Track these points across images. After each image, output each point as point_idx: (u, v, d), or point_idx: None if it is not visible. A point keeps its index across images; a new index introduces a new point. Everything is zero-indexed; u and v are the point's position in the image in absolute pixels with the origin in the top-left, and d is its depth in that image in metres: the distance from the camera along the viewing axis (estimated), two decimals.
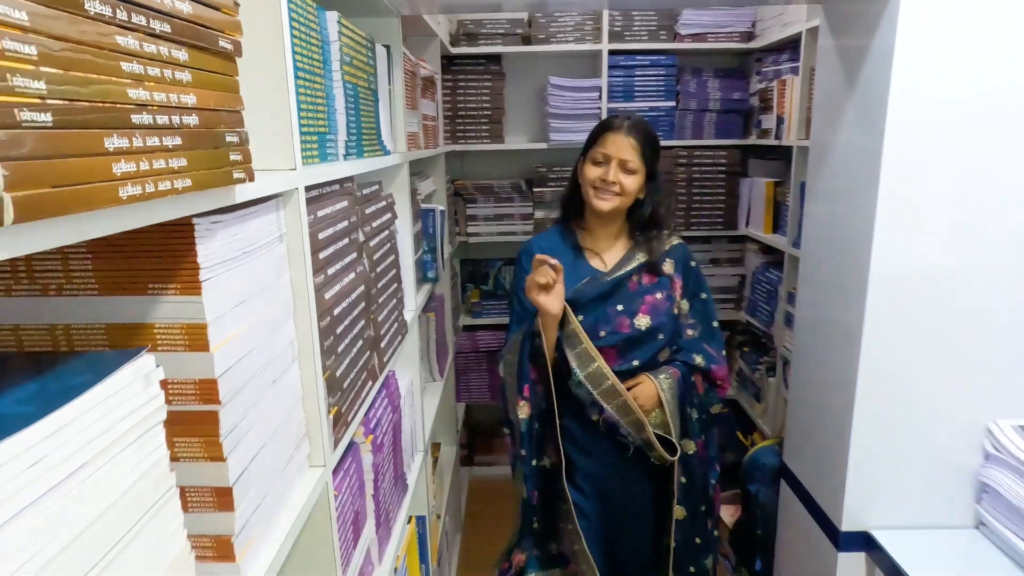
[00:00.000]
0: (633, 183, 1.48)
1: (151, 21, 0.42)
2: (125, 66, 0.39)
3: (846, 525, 1.39)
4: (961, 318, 1.31)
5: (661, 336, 1.53)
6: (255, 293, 0.66)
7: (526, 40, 2.68)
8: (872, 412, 1.35)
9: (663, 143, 2.66)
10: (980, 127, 1.24)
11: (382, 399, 1.28)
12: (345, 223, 0.97)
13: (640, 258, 1.54)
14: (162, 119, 0.43)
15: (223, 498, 0.59)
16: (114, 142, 0.38)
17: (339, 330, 0.90)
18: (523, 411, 1.50)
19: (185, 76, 0.46)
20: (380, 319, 1.16)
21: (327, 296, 0.86)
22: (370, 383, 1.08)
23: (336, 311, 0.89)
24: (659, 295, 1.53)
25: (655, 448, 1.46)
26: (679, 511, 1.55)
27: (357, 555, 1.06)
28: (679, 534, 1.55)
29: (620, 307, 1.51)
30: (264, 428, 0.68)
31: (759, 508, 1.80)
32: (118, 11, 0.39)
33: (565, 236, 1.59)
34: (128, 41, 0.40)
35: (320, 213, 0.86)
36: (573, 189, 1.59)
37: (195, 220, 0.54)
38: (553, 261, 1.37)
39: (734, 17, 2.62)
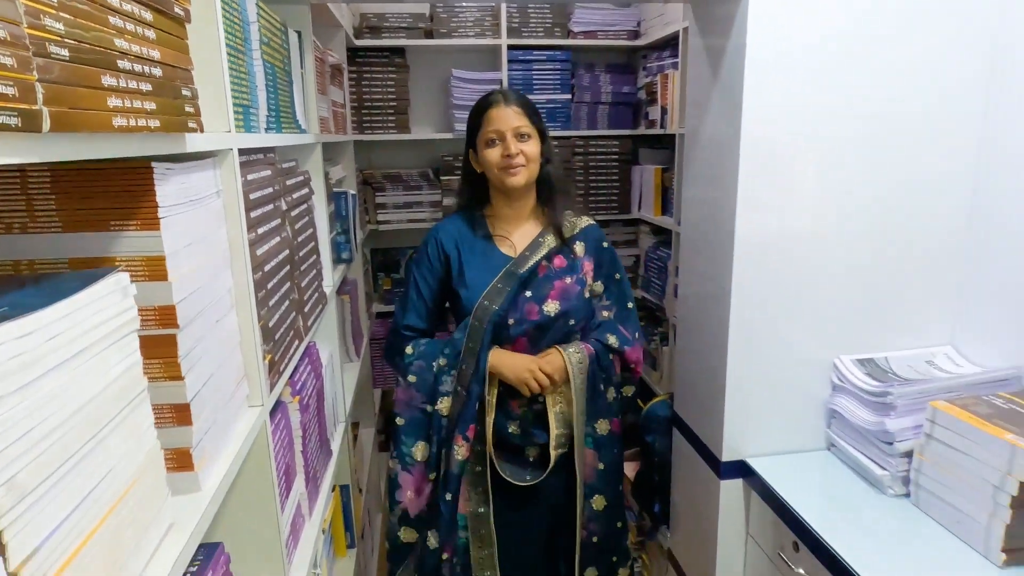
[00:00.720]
0: (533, 148, 1.50)
1: None
2: (112, 19, 0.48)
3: (726, 456, 1.61)
4: (808, 275, 1.55)
5: (572, 321, 1.56)
6: (199, 239, 0.74)
7: (428, 34, 2.79)
8: (742, 357, 1.56)
9: (561, 134, 2.89)
10: (818, 116, 1.47)
11: (305, 365, 1.35)
12: (270, 190, 1.05)
13: (550, 242, 1.55)
14: (137, 67, 0.51)
15: (182, 413, 0.67)
16: (107, 80, 0.46)
17: (270, 285, 0.98)
18: (461, 452, 1.47)
19: (151, 34, 0.55)
20: (303, 285, 1.24)
21: (259, 252, 0.94)
22: (296, 342, 1.16)
23: (267, 267, 0.97)
24: (568, 279, 1.55)
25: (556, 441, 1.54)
26: (599, 500, 1.60)
27: (290, 504, 1.14)
28: (599, 526, 1.60)
29: (528, 294, 1.52)
30: (211, 361, 0.75)
31: (656, 456, 2.00)
32: None
33: (472, 223, 1.58)
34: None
35: (249, 177, 0.94)
36: (471, 180, 1.59)
37: (154, 164, 0.62)
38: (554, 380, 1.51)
39: (621, 16, 2.85)
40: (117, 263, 0.63)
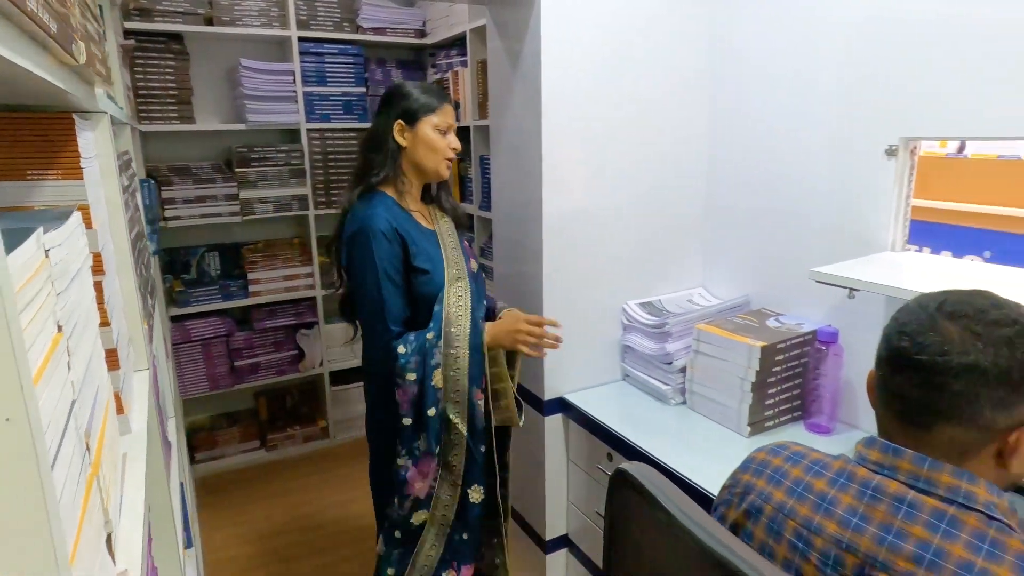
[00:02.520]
0: None
1: None
2: None
3: (547, 395, 1.88)
4: (599, 240, 1.88)
5: (483, 276, 1.66)
6: (97, 197, 0.75)
7: (209, 21, 2.67)
8: (554, 309, 1.84)
9: (358, 126, 2.97)
10: (597, 105, 1.79)
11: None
12: (118, 162, 1.03)
13: (441, 215, 1.60)
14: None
15: (112, 358, 0.69)
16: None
17: (136, 252, 0.98)
18: (482, 405, 1.45)
19: None
20: (143, 263, 1.21)
21: (127, 218, 0.93)
22: (148, 319, 1.14)
23: (131, 234, 0.97)
24: (466, 242, 1.63)
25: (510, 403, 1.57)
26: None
27: (173, 473, 1.12)
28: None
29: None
30: (118, 314, 0.77)
31: None
32: None
33: (394, 207, 1.48)
34: None
35: None
36: (394, 155, 1.49)
37: (75, 115, 0.64)
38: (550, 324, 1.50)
39: (407, 16, 3.01)
40: (36, 211, 0.64)
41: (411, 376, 1.41)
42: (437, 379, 1.42)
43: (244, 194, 2.80)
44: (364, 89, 3.00)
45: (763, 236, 1.85)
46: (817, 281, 1.37)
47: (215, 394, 2.96)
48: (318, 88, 2.88)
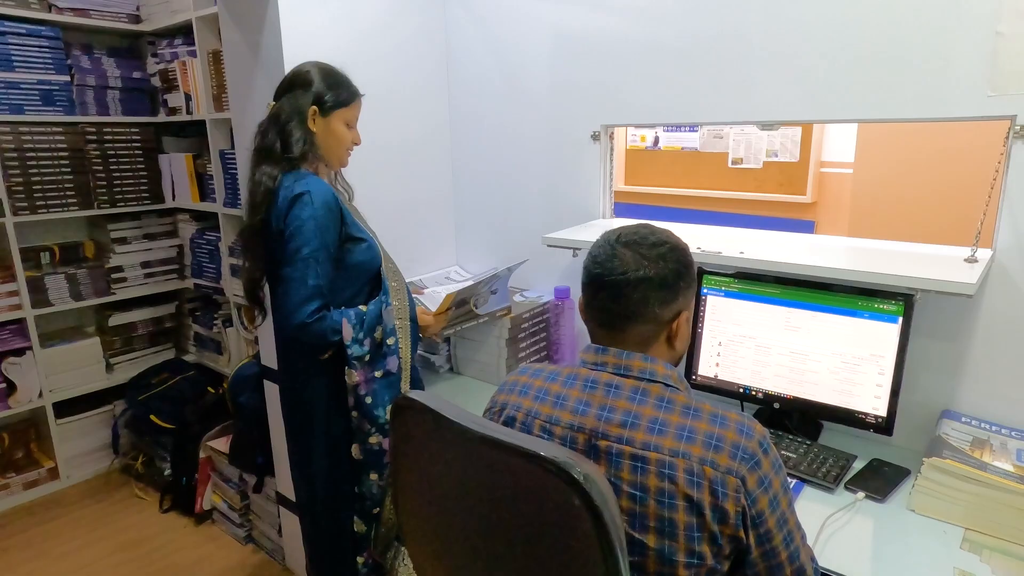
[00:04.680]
0: None
1: None
2: None
3: None
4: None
5: None
6: None
7: None
8: None
9: (67, 119, 2.60)
10: None
11: None
12: None
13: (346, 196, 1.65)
14: None
15: None
16: None
17: None
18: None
19: None
20: None
21: None
22: None
23: None
24: None
25: None
26: None
27: None
28: None
29: None
30: None
31: (252, 412, 2.14)
32: None
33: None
34: None
35: None
36: (310, 137, 1.47)
37: None
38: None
39: None
40: None
41: (366, 356, 1.46)
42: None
43: None
44: (68, 77, 2.63)
45: (502, 215, 2.10)
46: (548, 245, 1.64)
47: None
48: (4, 74, 2.45)
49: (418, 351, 1.74)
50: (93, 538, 2.45)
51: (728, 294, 1.53)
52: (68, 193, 2.66)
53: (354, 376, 1.46)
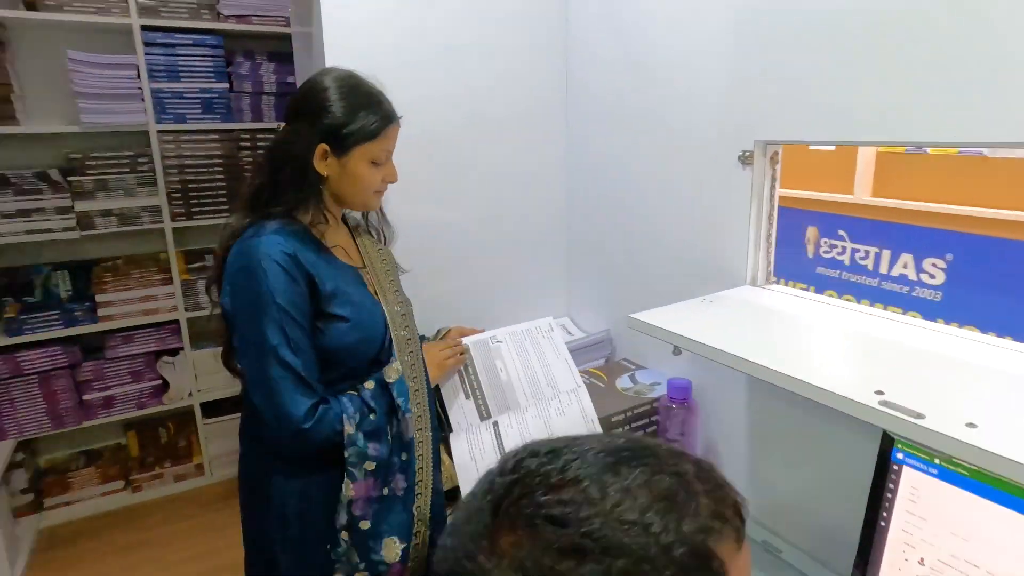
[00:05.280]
0: None
1: None
2: None
3: None
4: (455, 259, 1.56)
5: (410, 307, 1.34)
6: None
7: (31, 6, 2.31)
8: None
9: (222, 127, 2.62)
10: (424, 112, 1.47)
11: None
12: None
13: (371, 244, 1.27)
14: None
15: None
16: None
17: None
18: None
19: None
20: None
21: None
22: None
23: None
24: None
25: None
26: None
27: None
28: None
29: None
30: None
31: None
32: None
33: (304, 237, 1.11)
34: None
35: None
36: (311, 183, 1.11)
37: None
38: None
39: (273, 0, 2.66)
40: None
41: (369, 466, 1.07)
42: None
43: (80, 206, 2.44)
44: (227, 85, 2.64)
45: (621, 262, 1.52)
46: (632, 328, 1.05)
47: (76, 430, 2.62)
48: (170, 84, 2.52)
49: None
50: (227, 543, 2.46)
51: (946, 476, 0.81)
52: (220, 200, 2.69)
53: (350, 489, 1.07)
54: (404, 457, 1.12)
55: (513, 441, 1.26)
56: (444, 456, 1.29)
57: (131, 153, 2.51)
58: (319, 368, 1.08)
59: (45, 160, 2.49)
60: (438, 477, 1.20)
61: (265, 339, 1.01)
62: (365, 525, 1.09)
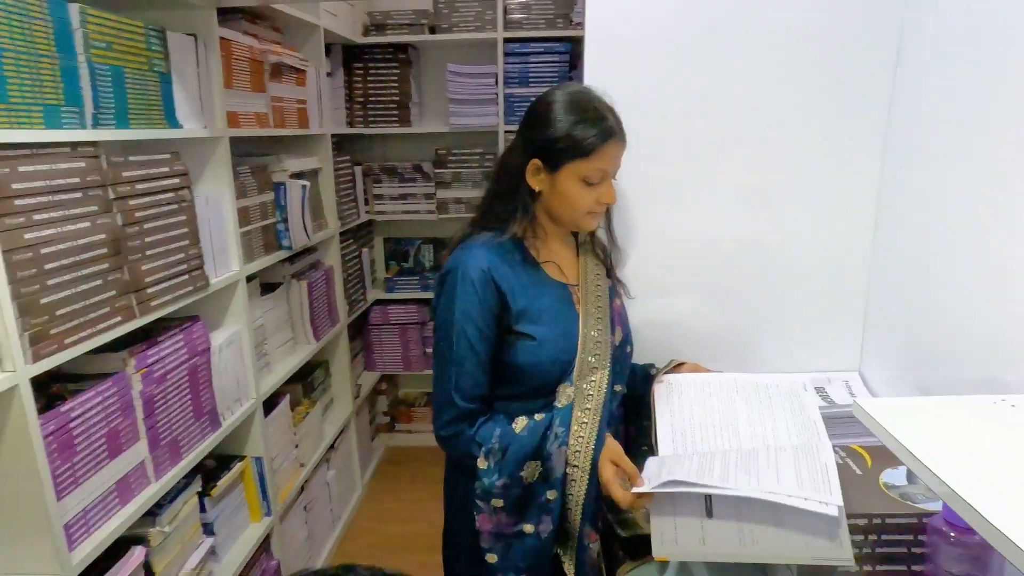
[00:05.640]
0: None
1: None
2: None
3: None
4: (728, 285, 1.45)
5: (629, 348, 1.27)
6: None
7: (432, 30, 2.85)
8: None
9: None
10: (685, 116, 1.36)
11: (174, 343, 1.47)
12: (76, 179, 1.16)
13: (593, 264, 1.24)
14: None
15: None
16: None
17: (49, 266, 1.10)
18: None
19: None
20: (145, 268, 1.35)
21: (27, 236, 1.05)
22: (117, 318, 1.27)
23: (45, 250, 1.09)
24: (617, 300, 1.26)
25: None
26: None
27: (117, 464, 1.27)
28: None
29: None
30: None
31: None
32: None
33: (513, 251, 1.13)
34: None
35: (24, 168, 1.05)
36: (522, 197, 1.12)
37: None
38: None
39: None
40: None
41: (496, 503, 1.07)
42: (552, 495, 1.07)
43: (441, 194, 2.95)
44: None
45: (936, 313, 1.16)
46: (854, 416, 0.80)
47: (421, 375, 3.24)
48: (519, 89, 2.84)
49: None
50: None
51: None
52: None
53: (477, 520, 1.09)
54: (551, 496, 1.05)
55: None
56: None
57: (480, 150, 2.92)
58: (493, 383, 1.11)
59: (422, 155, 3.07)
60: (592, 518, 1.11)
61: (440, 341, 1.11)
62: (492, 559, 1.09)
